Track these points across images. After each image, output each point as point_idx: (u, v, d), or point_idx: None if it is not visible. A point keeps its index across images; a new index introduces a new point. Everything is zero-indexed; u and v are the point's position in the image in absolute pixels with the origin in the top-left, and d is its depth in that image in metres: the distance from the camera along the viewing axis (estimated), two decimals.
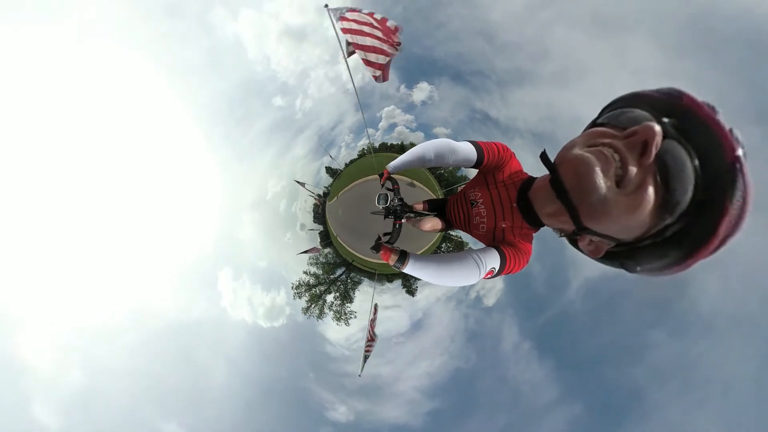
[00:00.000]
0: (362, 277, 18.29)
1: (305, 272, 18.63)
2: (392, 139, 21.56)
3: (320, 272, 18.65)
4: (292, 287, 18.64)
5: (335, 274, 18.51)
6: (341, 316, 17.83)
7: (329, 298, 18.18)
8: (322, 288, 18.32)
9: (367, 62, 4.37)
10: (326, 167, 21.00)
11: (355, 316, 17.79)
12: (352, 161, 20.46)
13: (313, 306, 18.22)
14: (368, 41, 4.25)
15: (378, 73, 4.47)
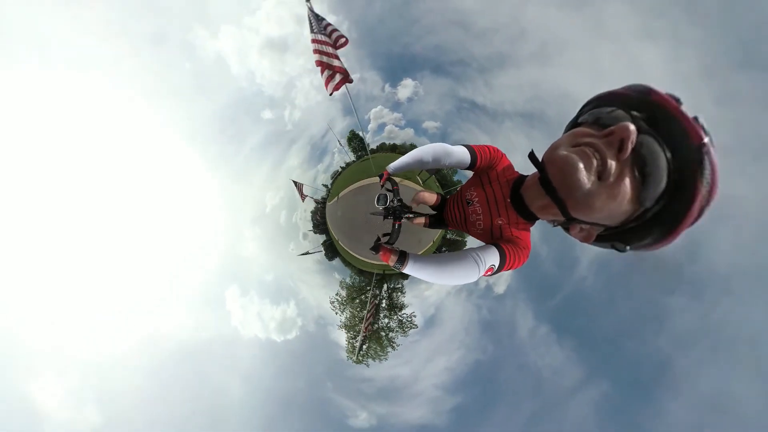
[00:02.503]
0: (400, 280, 16.64)
1: (345, 326, 16.00)
2: (383, 140, 21.62)
3: (355, 308, 16.16)
4: (353, 358, 15.39)
5: (367, 295, 15.78)
6: (406, 327, 15.89)
7: (384, 322, 15.88)
8: (372, 321, 14.98)
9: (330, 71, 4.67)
10: (351, 131, 19.26)
11: (416, 315, 16.13)
12: (349, 163, 20.41)
13: (381, 346, 15.58)
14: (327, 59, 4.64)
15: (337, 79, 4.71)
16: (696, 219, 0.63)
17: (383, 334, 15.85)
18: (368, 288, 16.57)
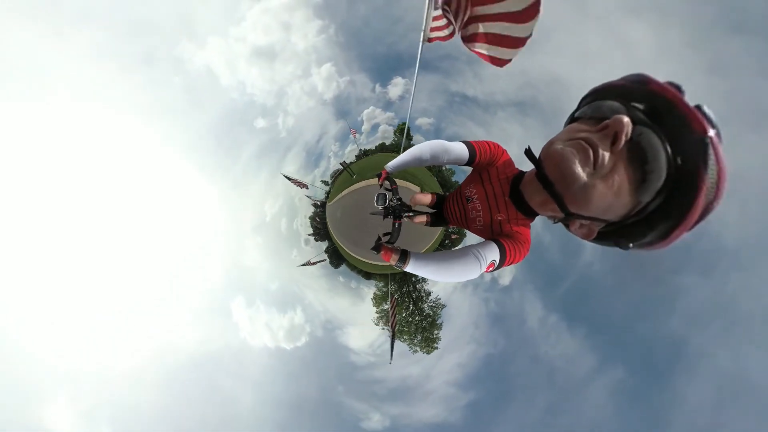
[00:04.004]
0: (417, 276, 17.52)
1: (398, 333, 17.03)
2: (377, 140, 21.58)
3: (398, 312, 17.17)
4: (425, 350, 17.50)
5: (395, 295, 17.23)
6: (437, 310, 17.85)
7: (423, 313, 17.75)
8: (415, 318, 17.40)
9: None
10: (402, 123, 19.81)
11: (439, 297, 18.23)
12: (348, 163, 20.25)
13: (429, 333, 17.46)
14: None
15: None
16: (701, 217, 0.60)
17: (430, 320, 17.43)
18: (394, 289, 17.68)
